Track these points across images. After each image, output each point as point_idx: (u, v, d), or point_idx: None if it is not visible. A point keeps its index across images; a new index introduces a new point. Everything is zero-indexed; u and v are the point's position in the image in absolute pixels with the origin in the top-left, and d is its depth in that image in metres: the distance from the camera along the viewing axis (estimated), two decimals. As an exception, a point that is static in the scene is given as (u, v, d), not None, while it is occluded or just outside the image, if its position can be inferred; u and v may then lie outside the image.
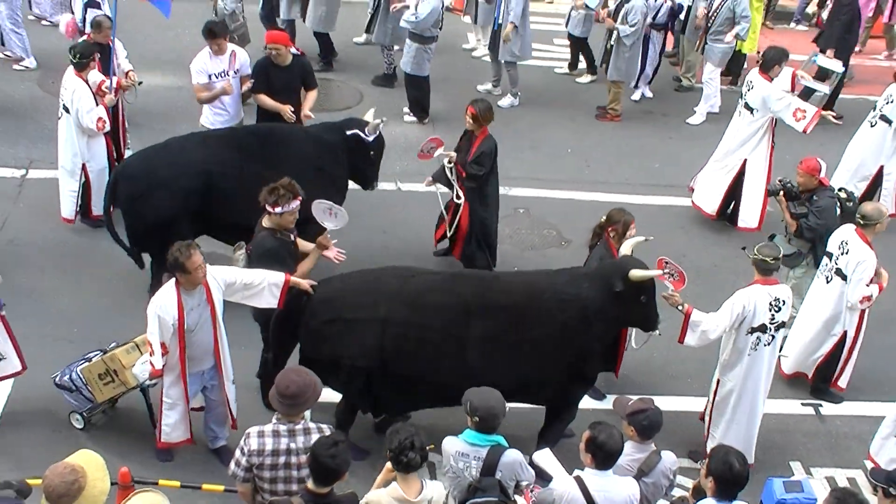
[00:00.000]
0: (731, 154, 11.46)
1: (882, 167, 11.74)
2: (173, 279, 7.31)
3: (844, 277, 8.73)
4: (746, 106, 11.20)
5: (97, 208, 10.47)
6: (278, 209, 7.82)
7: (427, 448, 5.78)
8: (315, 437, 6.06)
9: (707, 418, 8.35)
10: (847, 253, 8.69)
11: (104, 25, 10.78)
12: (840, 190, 9.19)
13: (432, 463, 8.01)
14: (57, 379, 8.06)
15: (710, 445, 8.14)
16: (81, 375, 7.92)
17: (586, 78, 15.24)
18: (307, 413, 6.26)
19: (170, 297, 7.27)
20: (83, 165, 10.32)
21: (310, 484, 5.67)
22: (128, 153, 11.04)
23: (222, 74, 10.65)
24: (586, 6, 14.16)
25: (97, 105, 10.14)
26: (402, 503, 5.76)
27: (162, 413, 7.69)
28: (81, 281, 9.88)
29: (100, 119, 10.09)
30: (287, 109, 10.47)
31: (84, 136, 10.20)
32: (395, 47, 14.17)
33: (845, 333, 8.97)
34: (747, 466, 5.85)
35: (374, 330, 7.53)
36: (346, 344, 7.55)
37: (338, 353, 7.57)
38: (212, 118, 10.76)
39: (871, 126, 11.69)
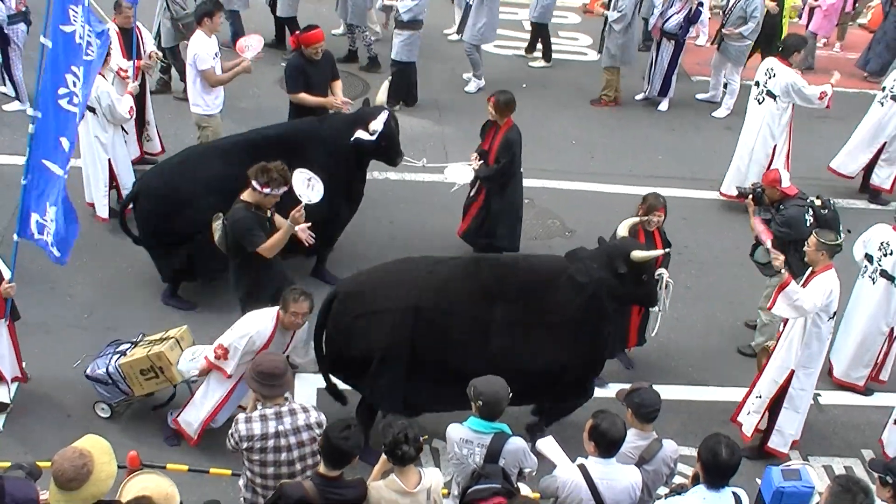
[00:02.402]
0: (761, 142, 11.46)
1: (885, 144, 11.82)
2: (277, 309, 7.32)
3: (890, 278, 8.71)
4: (769, 93, 11.26)
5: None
6: (266, 190, 7.85)
7: (421, 440, 5.74)
8: (301, 416, 6.13)
9: (759, 415, 8.29)
10: (891, 254, 8.67)
11: (123, 6, 10.70)
12: (817, 198, 9.09)
13: (436, 449, 8.01)
14: (88, 371, 7.96)
15: (776, 442, 8.25)
16: (120, 370, 7.81)
17: (539, 63, 15.23)
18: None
19: (268, 326, 7.33)
20: (109, 161, 10.24)
21: (321, 467, 5.68)
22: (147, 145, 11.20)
23: (217, 53, 10.58)
24: None
25: (122, 94, 10.13)
26: (402, 494, 5.73)
27: (191, 403, 7.72)
28: (93, 269, 9.86)
29: (130, 108, 10.10)
30: (331, 101, 10.43)
31: (110, 130, 10.13)
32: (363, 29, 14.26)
33: (892, 330, 8.97)
34: (737, 456, 5.80)
35: (406, 318, 7.47)
36: (378, 335, 7.50)
37: (370, 346, 7.53)
38: (208, 100, 10.61)
39: (881, 106, 11.73)
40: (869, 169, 12.10)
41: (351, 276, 8.04)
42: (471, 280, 7.71)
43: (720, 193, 11.91)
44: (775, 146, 11.42)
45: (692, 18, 13.61)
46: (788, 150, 11.51)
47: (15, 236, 7.88)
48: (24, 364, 8.18)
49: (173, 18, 12.39)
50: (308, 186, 7.91)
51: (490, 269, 7.88)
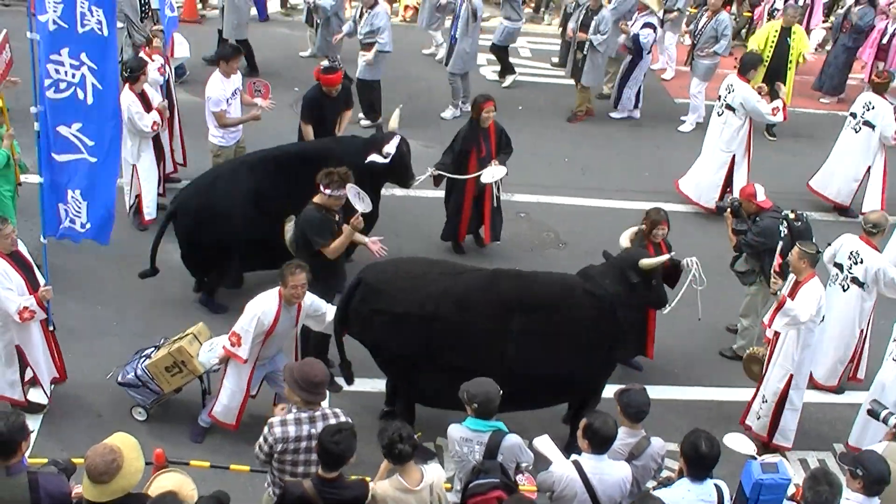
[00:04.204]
0: (720, 151, 11.69)
1: (869, 167, 11.81)
2: (278, 288, 7.41)
3: (861, 285, 8.74)
4: (728, 107, 11.50)
5: (148, 212, 10.55)
6: (328, 191, 8.05)
7: (416, 436, 5.74)
8: (332, 421, 6.07)
9: (769, 419, 8.30)
10: (861, 262, 8.70)
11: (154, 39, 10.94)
12: (791, 211, 9.12)
13: (440, 446, 8.01)
14: (119, 378, 8.01)
15: (779, 440, 8.27)
16: (147, 371, 7.87)
17: (509, 80, 15.29)
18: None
19: (272, 304, 7.39)
20: (133, 167, 10.34)
21: (320, 469, 5.66)
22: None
23: (234, 94, 10.62)
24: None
25: (149, 111, 10.17)
26: (405, 492, 5.72)
27: (220, 394, 7.77)
28: (123, 277, 9.86)
29: (154, 123, 10.14)
30: None
31: (136, 140, 10.21)
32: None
33: (863, 332, 9.01)
34: (716, 449, 5.85)
35: (421, 326, 7.48)
36: (392, 336, 7.54)
37: (383, 343, 7.61)
38: (226, 135, 10.66)
39: (856, 132, 11.72)
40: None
41: (377, 264, 8.04)
42: (490, 292, 7.66)
43: (676, 186, 12.14)
44: (734, 156, 11.59)
45: (635, 39, 13.73)
46: (748, 162, 11.63)
47: (41, 238, 7.87)
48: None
49: (135, 45, 12.34)
50: (359, 199, 8.14)
51: (509, 281, 7.80)
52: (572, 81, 14.71)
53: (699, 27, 13.98)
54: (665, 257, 7.89)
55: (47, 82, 7.32)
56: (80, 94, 7.42)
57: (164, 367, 7.82)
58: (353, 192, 8.10)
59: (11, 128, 9.23)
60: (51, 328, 7.98)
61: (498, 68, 15.50)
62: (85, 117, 7.48)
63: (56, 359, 8.11)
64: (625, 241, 8.15)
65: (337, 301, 7.95)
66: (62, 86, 7.36)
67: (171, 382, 7.89)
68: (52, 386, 8.14)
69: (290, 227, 8.33)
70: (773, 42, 13.53)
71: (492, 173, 10.23)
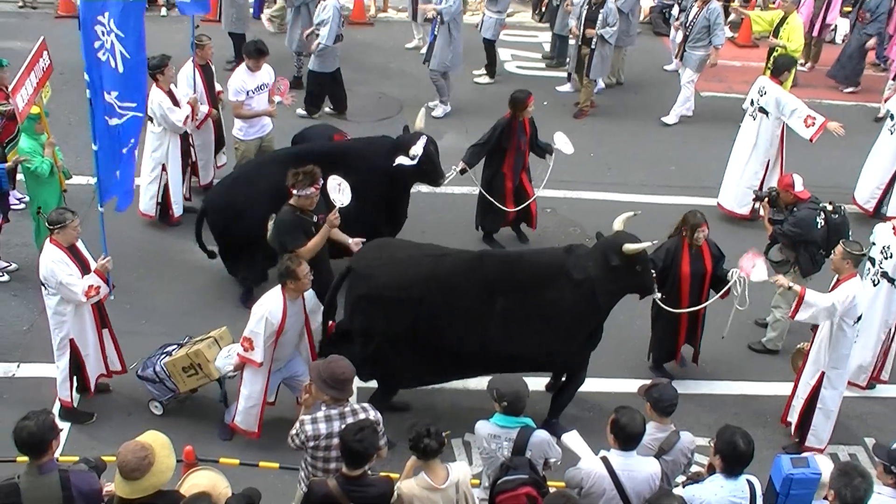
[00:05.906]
0: (755, 156, 11.33)
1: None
2: (279, 286, 7.42)
3: (891, 280, 8.63)
4: (762, 110, 11.14)
5: (177, 208, 10.69)
6: (295, 191, 8.03)
7: (443, 434, 5.76)
8: (361, 416, 6.10)
9: (797, 418, 8.27)
10: (892, 257, 8.59)
11: (205, 43, 10.88)
12: (829, 203, 9.03)
13: (468, 442, 8.01)
14: (139, 371, 8.14)
15: (811, 442, 8.20)
16: (165, 368, 7.98)
17: (484, 79, 15.10)
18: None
19: (277, 302, 7.40)
20: (163, 166, 10.45)
21: (344, 468, 5.68)
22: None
23: (259, 88, 10.67)
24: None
25: (180, 106, 10.25)
26: (431, 490, 5.73)
27: (238, 401, 7.81)
28: (152, 277, 9.95)
29: (186, 117, 10.23)
30: None
31: (166, 139, 10.30)
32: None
33: (890, 331, 8.91)
34: (752, 446, 5.81)
35: (408, 309, 7.55)
36: (380, 319, 7.59)
37: (371, 327, 7.62)
38: (246, 129, 10.75)
39: (891, 134, 11.49)
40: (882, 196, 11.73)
41: (364, 251, 8.09)
42: (475, 274, 7.74)
43: (718, 206, 11.70)
44: (769, 161, 11.29)
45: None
46: (781, 165, 11.33)
47: (99, 207, 8.02)
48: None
49: None
50: (339, 191, 8.02)
51: (494, 265, 7.90)
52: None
53: (690, 18, 13.79)
54: (647, 244, 7.75)
55: (96, 44, 7.39)
56: (112, 63, 7.52)
57: (181, 367, 7.92)
58: (332, 186, 8.01)
59: (52, 135, 9.31)
60: (111, 297, 8.18)
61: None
62: (120, 86, 7.61)
63: (105, 357, 8.25)
64: (618, 224, 8.02)
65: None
66: (101, 51, 7.46)
67: (186, 383, 7.99)
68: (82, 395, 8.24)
69: (271, 226, 8.32)
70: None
71: (564, 140, 10.48)
